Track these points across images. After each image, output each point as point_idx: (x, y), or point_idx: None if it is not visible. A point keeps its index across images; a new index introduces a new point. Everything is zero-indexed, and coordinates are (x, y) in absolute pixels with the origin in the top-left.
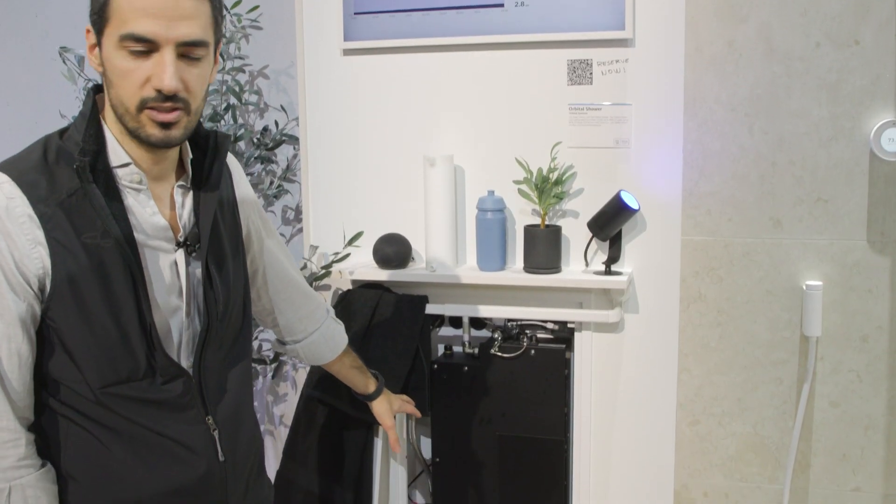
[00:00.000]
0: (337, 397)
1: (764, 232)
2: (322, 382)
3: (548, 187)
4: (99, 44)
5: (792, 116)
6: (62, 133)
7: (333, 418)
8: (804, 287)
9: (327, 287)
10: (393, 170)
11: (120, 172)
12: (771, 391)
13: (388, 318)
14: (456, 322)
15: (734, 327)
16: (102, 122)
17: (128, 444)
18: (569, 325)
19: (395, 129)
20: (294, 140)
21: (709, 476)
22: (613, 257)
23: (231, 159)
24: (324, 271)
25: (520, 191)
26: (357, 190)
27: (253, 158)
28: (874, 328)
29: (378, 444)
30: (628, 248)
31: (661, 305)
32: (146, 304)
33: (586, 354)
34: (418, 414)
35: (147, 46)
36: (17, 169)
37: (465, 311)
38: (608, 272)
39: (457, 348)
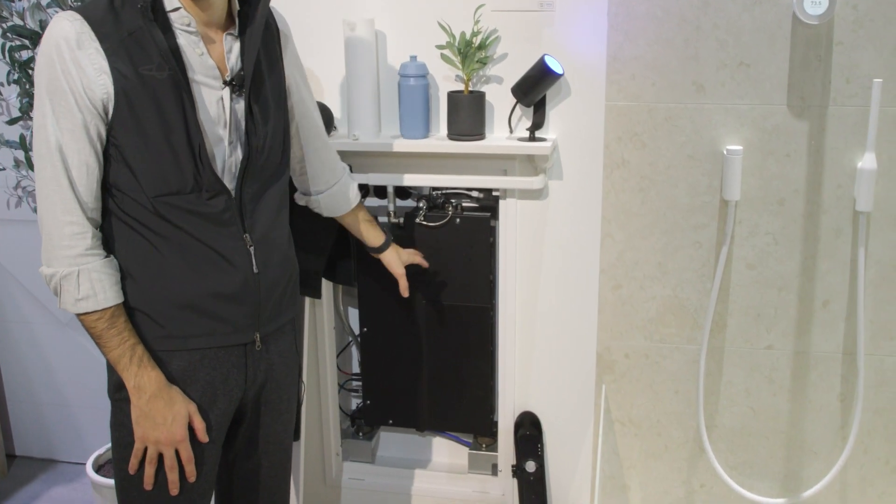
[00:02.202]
0: None
1: (687, 97)
2: None
3: (471, 52)
4: None
5: None
6: None
7: None
8: (725, 152)
9: None
10: (311, 34)
11: (172, 16)
12: (690, 255)
13: None
14: (380, 192)
15: (656, 192)
16: None
17: (177, 250)
18: (493, 193)
19: None
20: None
21: (630, 338)
22: (537, 123)
23: (283, 22)
24: None
25: (443, 56)
26: None
27: None
28: (791, 192)
29: (306, 317)
30: (552, 113)
31: (584, 171)
32: (194, 128)
33: (511, 221)
34: (425, 264)
35: None
36: (87, 10)
37: (389, 180)
38: (532, 138)
39: (382, 218)
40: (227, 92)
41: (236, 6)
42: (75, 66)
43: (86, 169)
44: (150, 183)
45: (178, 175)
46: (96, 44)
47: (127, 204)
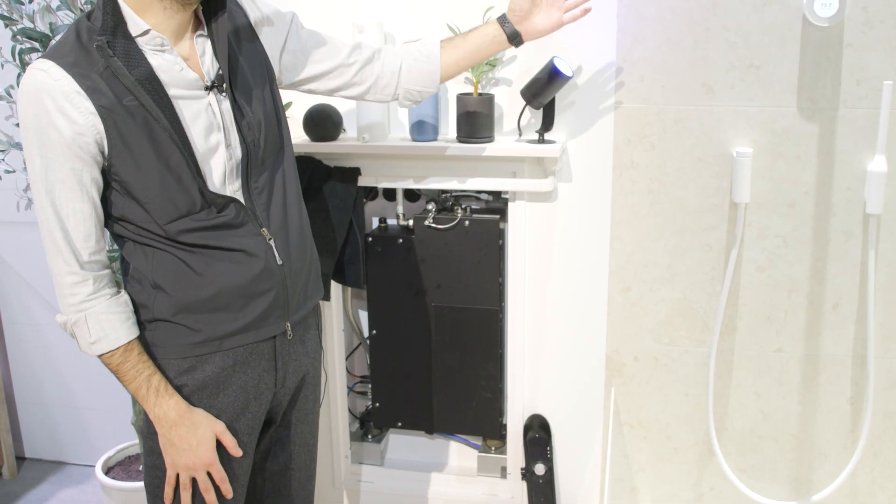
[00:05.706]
0: None
1: (696, 98)
2: None
3: None
4: None
5: None
6: (89, 15)
7: None
8: (734, 154)
9: None
10: None
11: (142, 40)
12: (700, 257)
13: (320, 191)
14: (389, 194)
15: (665, 195)
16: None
17: (200, 259)
18: (502, 195)
19: None
20: None
21: (639, 341)
22: (546, 125)
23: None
24: None
25: None
26: None
27: None
28: (801, 194)
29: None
30: (561, 116)
31: (593, 174)
32: (187, 150)
33: (520, 224)
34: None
35: None
36: (57, 54)
37: (398, 182)
38: (541, 141)
39: (391, 221)
40: (212, 96)
41: (198, 6)
42: (62, 115)
43: (81, 217)
44: (160, 211)
45: (186, 197)
46: (76, 86)
47: (142, 232)
